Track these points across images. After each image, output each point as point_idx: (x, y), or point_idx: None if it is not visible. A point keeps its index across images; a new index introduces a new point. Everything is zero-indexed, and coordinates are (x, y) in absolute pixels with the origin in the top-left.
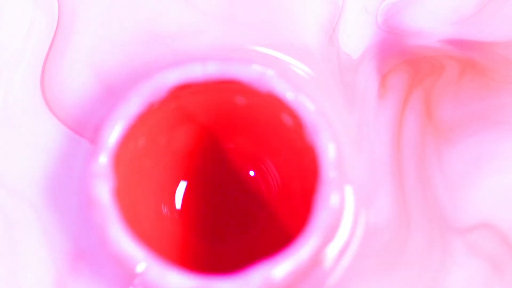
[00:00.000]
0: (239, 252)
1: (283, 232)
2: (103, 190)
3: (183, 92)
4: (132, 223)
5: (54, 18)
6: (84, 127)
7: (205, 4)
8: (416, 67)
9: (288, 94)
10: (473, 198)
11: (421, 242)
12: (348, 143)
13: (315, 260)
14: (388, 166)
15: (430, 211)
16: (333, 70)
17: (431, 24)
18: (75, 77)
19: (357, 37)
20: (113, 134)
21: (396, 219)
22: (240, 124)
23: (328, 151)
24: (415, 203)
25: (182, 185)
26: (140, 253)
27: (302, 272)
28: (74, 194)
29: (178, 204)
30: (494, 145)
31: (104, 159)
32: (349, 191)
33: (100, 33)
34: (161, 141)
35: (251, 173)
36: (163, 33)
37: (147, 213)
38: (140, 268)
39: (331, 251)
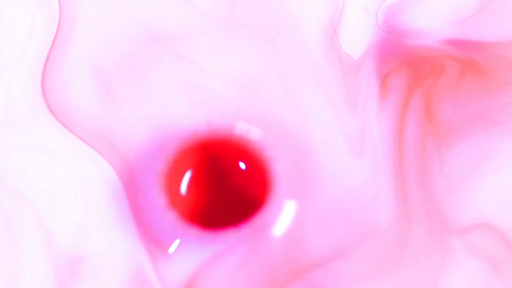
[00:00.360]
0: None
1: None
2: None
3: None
4: None
5: (55, 19)
6: (84, 128)
7: (205, 4)
8: (416, 67)
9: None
10: (473, 198)
11: (421, 242)
12: (350, 144)
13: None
14: (389, 167)
15: (431, 211)
16: (335, 71)
17: (431, 24)
18: (75, 78)
19: (358, 37)
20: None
21: (397, 219)
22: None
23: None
24: (415, 204)
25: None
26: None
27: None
28: (77, 194)
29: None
30: (494, 145)
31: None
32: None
33: (101, 34)
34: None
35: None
36: (164, 34)
37: None
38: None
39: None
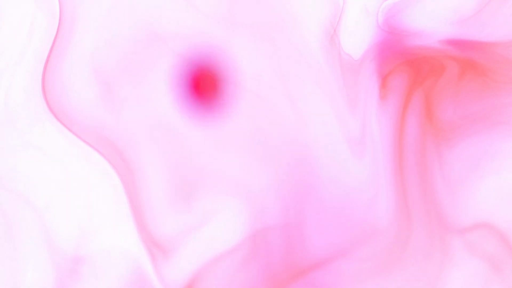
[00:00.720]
0: None
1: None
2: None
3: None
4: None
5: (55, 19)
6: (84, 128)
7: (206, 5)
8: (416, 67)
9: None
10: (473, 198)
11: (421, 242)
12: (350, 144)
13: None
14: (389, 167)
15: (431, 211)
16: (335, 71)
17: (432, 25)
18: (75, 78)
19: (358, 37)
20: None
21: (397, 219)
22: None
23: None
24: (415, 204)
25: None
26: None
27: None
28: (77, 194)
29: None
30: (494, 145)
31: None
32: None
33: (101, 34)
34: None
35: None
36: (164, 34)
37: None
38: None
39: None
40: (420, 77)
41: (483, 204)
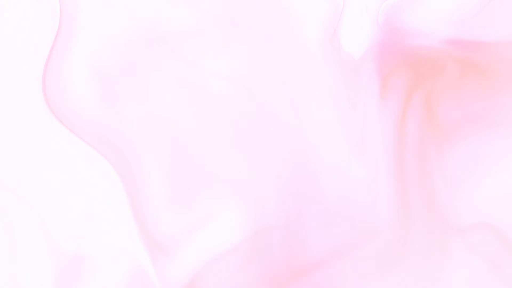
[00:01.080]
0: None
1: None
2: None
3: None
4: None
5: (55, 19)
6: (84, 128)
7: (206, 5)
8: (416, 67)
9: None
10: (473, 198)
11: (421, 242)
12: (350, 144)
13: None
14: (389, 167)
15: (431, 211)
16: (335, 71)
17: (431, 24)
18: (76, 78)
19: (358, 37)
20: None
21: (397, 219)
22: None
23: None
24: (415, 204)
25: None
26: None
27: None
28: (77, 194)
29: None
30: (494, 145)
31: None
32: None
33: (102, 34)
34: None
35: None
36: (165, 34)
37: None
38: None
39: None
40: (420, 77)
41: (483, 204)
